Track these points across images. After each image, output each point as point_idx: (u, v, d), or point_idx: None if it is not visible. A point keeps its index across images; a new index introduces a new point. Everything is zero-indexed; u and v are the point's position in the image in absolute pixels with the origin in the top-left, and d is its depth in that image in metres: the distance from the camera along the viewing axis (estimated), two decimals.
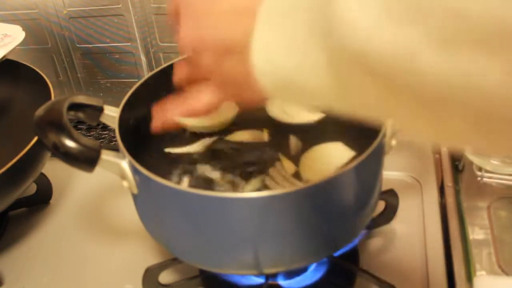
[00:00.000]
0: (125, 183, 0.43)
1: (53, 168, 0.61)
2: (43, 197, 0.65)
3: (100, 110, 0.46)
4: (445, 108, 0.19)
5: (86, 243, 0.59)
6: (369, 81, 0.21)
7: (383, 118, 0.24)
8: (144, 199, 0.44)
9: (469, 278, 0.49)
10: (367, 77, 0.20)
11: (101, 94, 0.82)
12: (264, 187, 0.48)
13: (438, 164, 0.64)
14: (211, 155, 0.53)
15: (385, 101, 0.21)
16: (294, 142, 0.53)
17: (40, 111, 0.41)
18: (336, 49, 0.21)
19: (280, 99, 0.27)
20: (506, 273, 0.49)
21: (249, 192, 0.38)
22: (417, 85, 0.19)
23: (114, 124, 0.46)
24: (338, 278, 0.50)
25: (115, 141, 0.54)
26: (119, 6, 0.72)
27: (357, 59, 0.20)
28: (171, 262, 0.50)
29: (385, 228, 0.56)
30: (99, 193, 0.65)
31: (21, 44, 0.64)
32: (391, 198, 0.55)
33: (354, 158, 0.49)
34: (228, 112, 0.56)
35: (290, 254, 0.42)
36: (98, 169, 0.40)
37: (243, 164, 0.51)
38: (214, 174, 0.51)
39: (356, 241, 0.53)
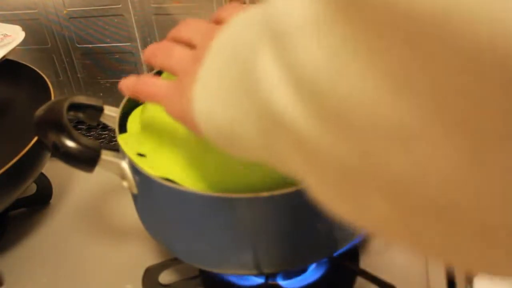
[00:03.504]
0: (125, 183, 0.43)
1: (53, 168, 0.61)
2: (43, 197, 0.64)
3: (100, 110, 0.46)
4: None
5: (86, 243, 0.59)
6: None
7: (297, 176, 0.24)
8: (144, 199, 0.44)
9: (469, 278, 0.49)
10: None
11: (101, 94, 0.82)
12: None
13: None
14: None
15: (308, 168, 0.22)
16: None
17: (40, 111, 0.41)
18: (260, 106, 0.21)
19: (220, 147, 0.28)
20: None
21: (249, 193, 0.38)
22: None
23: (114, 124, 0.46)
24: (338, 278, 0.50)
25: (115, 141, 0.54)
26: (119, 6, 0.72)
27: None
28: (171, 262, 0.50)
29: None
30: (99, 193, 0.65)
31: (21, 44, 0.64)
32: None
33: None
34: None
35: (290, 254, 0.42)
36: (98, 169, 0.40)
37: None
38: None
39: (356, 241, 0.53)
